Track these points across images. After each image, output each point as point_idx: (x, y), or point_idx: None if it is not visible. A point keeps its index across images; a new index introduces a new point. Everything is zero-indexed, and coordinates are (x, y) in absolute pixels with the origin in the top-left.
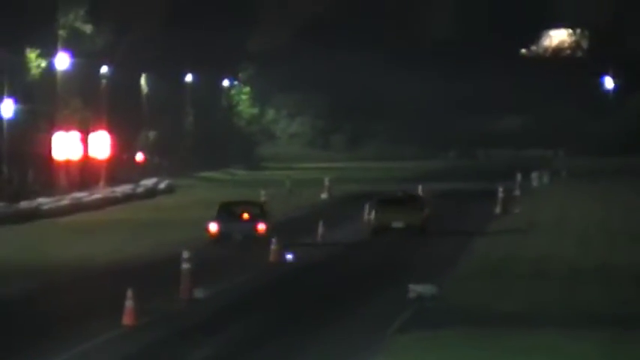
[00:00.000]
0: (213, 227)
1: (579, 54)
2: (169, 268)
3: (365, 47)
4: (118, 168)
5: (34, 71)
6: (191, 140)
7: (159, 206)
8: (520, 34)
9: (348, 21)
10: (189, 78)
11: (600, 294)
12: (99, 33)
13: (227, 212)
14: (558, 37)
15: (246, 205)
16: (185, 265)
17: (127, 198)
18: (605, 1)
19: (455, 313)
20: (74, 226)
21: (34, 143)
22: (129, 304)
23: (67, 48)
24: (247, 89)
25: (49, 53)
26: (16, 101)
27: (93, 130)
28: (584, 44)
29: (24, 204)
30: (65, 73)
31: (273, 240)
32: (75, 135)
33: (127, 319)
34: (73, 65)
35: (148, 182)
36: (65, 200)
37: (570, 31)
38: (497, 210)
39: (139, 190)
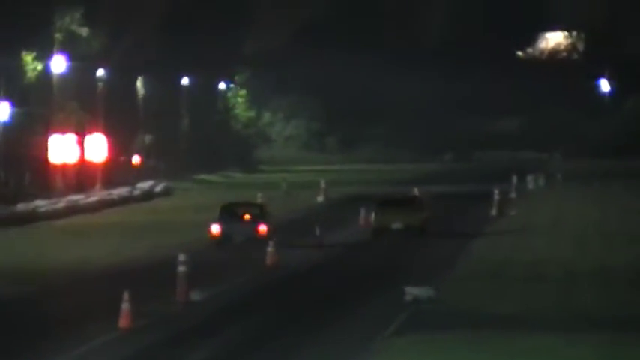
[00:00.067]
0: (215, 229)
1: (575, 56)
2: (166, 271)
3: (360, 50)
4: (115, 171)
5: (31, 74)
6: (187, 143)
7: (155, 209)
8: (516, 36)
9: (343, 23)
10: (185, 81)
11: (597, 296)
12: (95, 36)
13: (229, 214)
14: (554, 39)
15: (248, 206)
16: (181, 268)
17: (124, 201)
18: (601, 3)
19: (451, 315)
20: (71, 229)
21: (30, 146)
22: (125, 306)
23: (63, 51)
24: (243, 92)
25: (45, 56)
26: (13, 104)
27: (89, 133)
28: (580, 47)
29: (21, 207)
30: (61, 76)
31: (270, 242)
32: (71, 138)
33: (123, 322)
34: (70, 68)
35: (145, 185)
36: (62, 203)
37: (566, 33)
38: (493, 212)
39: (136, 192)
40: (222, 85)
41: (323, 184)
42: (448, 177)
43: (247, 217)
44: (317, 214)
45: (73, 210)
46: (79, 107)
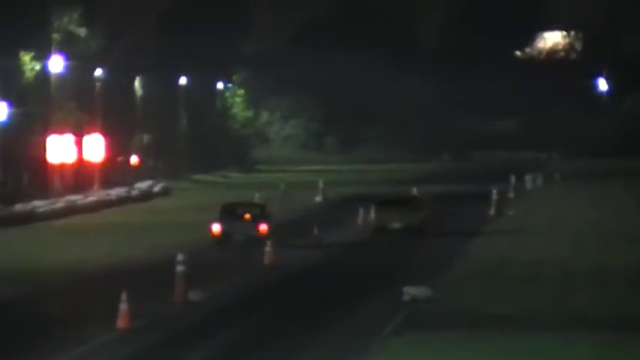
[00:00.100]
0: (216, 228)
1: (573, 56)
2: (164, 271)
3: (359, 50)
4: (113, 171)
5: (29, 74)
6: (185, 143)
7: (154, 209)
8: (514, 36)
9: (342, 23)
10: (183, 81)
11: (595, 296)
12: (93, 36)
13: (229, 213)
14: (552, 39)
15: (248, 206)
16: (180, 268)
17: (122, 201)
18: (599, 3)
19: (449, 315)
20: (69, 229)
21: (28, 146)
22: (123, 307)
23: (61, 51)
24: (241, 92)
25: (43, 56)
26: (11, 104)
27: (87, 133)
28: (578, 46)
29: (19, 207)
30: (59, 76)
31: (268, 242)
32: (69, 138)
33: (121, 322)
34: (67, 68)
35: (143, 185)
36: (60, 203)
37: (564, 33)
38: (491, 212)
39: (134, 192)
40: (220, 85)
41: (321, 184)
42: (446, 177)
43: (248, 216)
44: (315, 214)
45: (71, 210)
46: (77, 107)
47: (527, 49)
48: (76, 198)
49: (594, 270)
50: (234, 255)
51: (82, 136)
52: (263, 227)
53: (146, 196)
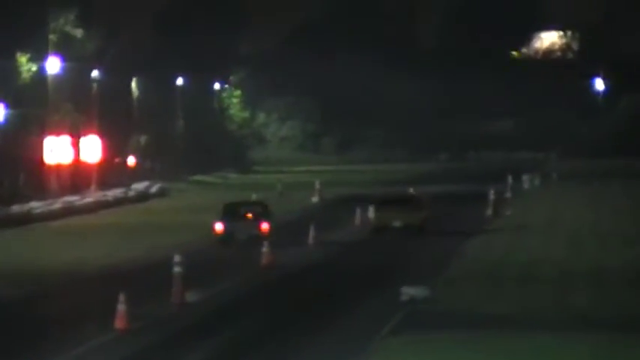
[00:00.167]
0: (218, 227)
1: (570, 56)
2: (162, 272)
3: (356, 50)
4: (110, 172)
5: (25, 75)
6: (182, 144)
7: (151, 210)
8: (511, 36)
9: (340, 23)
10: (180, 81)
11: (593, 296)
12: (89, 37)
13: (232, 212)
14: (549, 39)
15: (251, 205)
16: (177, 269)
17: (119, 202)
18: (595, 3)
19: (447, 315)
20: (66, 230)
21: (25, 147)
22: (121, 308)
23: (57, 52)
24: (238, 92)
25: (39, 57)
26: (7, 105)
27: (84, 134)
28: (575, 46)
29: (16, 208)
30: (56, 77)
31: (265, 242)
32: (66, 139)
33: (119, 323)
34: (64, 69)
35: (140, 186)
36: (57, 204)
37: (561, 33)
38: (489, 212)
39: (131, 193)
40: (216, 86)
41: (318, 185)
42: (444, 177)
43: (250, 215)
44: (312, 215)
45: (69, 211)
46: (74, 108)
47: (524, 49)
48: (73, 199)
49: (592, 270)
50: (232, 255)
51: (79, 137)
52: (265, 226)
53: (143, 197)
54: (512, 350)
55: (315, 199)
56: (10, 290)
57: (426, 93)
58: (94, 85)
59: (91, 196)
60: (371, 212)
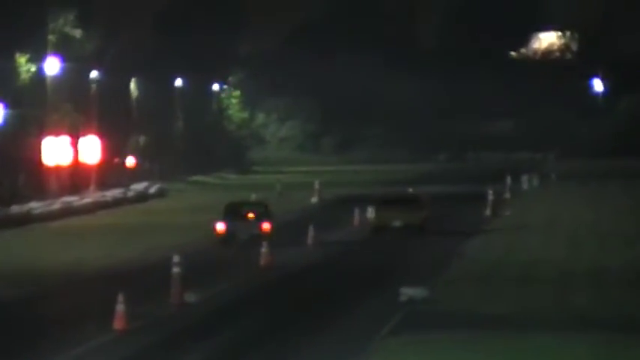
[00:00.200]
0: (220, 226)
1: (568, 56)
2: (160, 272)
3: (356, 50)
4: (109, 172)
5: (24, 76)
6: (181, 144)
7: (150, 210)
8: (509, 36)
9: (340, 23)
10: (179, 82)
11: (593, 296)
12: (88, 38)
13: (233, 212)
14: (547, 39)
15: (252, 205)
16: (176, 270)
17: (118, 202)
18: (594, 3)
19: (447, 316)
20: (65, 231)
21: (24, 148)
22: (120, 308)
23: (56, 53)
24: (237, 93)
25: (38, 58)
26: (6, 106)
27: (83, 135)
28: (574, 47)
29: (15, 208)
30: (55, 77)
31: (264, 243)
32: (65, 139)
33: (118, 324)
34: (63, 70)
35: (139, 186)
36: (56, 205)
37: (559, 33)
38: (488, 212)
39: (130, 194)
40: (215, 87)
41: (317, 185)
42: (443, 177)
43: (251, 215)
44: (311, 215)
45: (68, 212)
46: (73, 109)
47: (523, 50)
48: (72, 199)
49: (591, 270)
50: (232, 256)
51: (78, 138)
52: (266, 226)
53: (142, 197)
54: (512, 351)
55: (314, 199)
56: (10, 290)
57: (425, 93)
58: (93, 85)
59: (90, 197)
60: (370, 212)
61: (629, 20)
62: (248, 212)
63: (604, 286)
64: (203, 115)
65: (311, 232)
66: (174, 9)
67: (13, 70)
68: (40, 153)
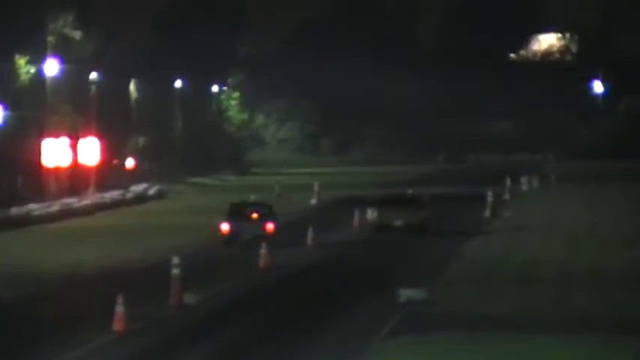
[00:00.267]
0: (224, 227)
1: (568, 58)
2: (160, 274)
3: (356, 50)
4: (108, 174)
5: (24, 77)
6: (181, 146)
7: (149, 212)
8: (509, 38)
9: (339, 24)
10: (178, 83)
11: (592, 298)
12: (88, 39)
13: (237, 213)
14: (547, 41)
15: (256, 205)
16: (175, 271)
17: (117, 204)
18: (594, 4)
19: (446, 317)
20: (64, 232)
21: (23, 149)
22: (119, 309)
23: (56, 54)
24: (236, 94)
25: (38, 59)
26: (6, 108)
27: (82, 136)
28: (573, 48)
29: (14, 210)
30: (54, 79)
31: (263, 244)
32: (64, 141)
33: (117, 325)
34: (62, 71)
35: (138, 188)
36: (55, 206)
37: (559, 35)
38: (487, 214)
39: (129, 195)
40: (215, 88)
41: (316, 187)
42: (442, 179)
43: (255, 215)
44: (310, 216)
45: (67, 213)
46: (72, 110)
47: (522, 51)
48: (71, 201)
49: (591, 271)
50: (232, 256)
51: (78, 139)
52: (270, 226)
53: (141, 198)
54: (511, 351)
55: (313, 200)
56: (10, 292)
57: (425, 93)
58: (93, 87)
59: (89, 199)
60: (369, 213)
61: (629, 21)
62: (252, 213)
63: (603, 287)
64: (202, 117)
65: (310, 233)
66: (174, 10)
67: (13, 71)
68: (39, 154)
